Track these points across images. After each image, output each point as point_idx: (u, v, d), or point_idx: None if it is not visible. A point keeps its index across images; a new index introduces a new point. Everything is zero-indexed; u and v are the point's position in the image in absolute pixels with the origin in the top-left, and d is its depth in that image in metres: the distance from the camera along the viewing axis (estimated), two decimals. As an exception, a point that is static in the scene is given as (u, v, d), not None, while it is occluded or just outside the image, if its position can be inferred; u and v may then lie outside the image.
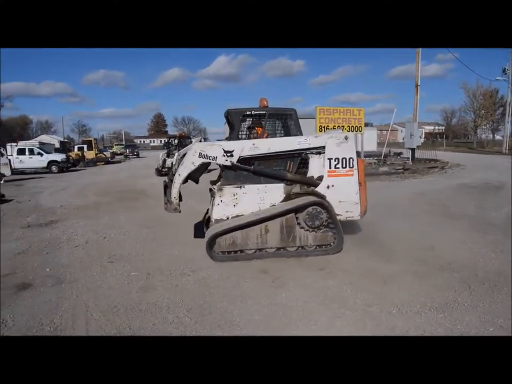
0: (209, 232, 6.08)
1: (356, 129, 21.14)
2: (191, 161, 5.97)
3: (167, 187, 6.16)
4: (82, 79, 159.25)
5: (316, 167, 6.34)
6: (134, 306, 4.58)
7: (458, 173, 18.93)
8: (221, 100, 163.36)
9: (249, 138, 6.69)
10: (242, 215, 6.13)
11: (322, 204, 6.18)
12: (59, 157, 28.56)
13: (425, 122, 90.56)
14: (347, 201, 6.38)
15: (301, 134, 6.52)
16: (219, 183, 6.27)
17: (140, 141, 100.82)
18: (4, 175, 20.98)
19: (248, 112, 6.40)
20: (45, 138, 53.44)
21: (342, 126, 20.49)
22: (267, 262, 5.95)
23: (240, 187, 6.15)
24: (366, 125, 24.35)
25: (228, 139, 6.93)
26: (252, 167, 6.12)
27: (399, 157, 25.44)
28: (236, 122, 6.36)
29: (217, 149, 5.99)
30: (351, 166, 6.38)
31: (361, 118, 21.30)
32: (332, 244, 6.32)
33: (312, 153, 6.30)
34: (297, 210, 6.11)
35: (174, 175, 6.14)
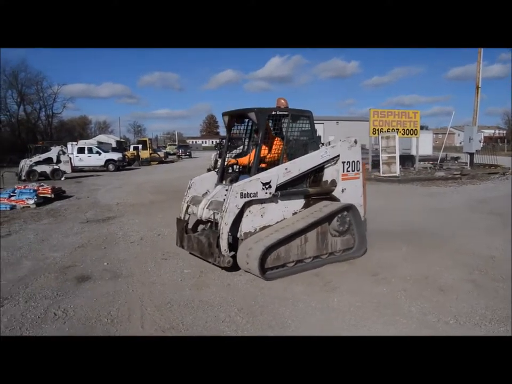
0: (255, 248, 5.29)
1: (411, 133, 20.61)
2: (235, 204, 5.39)
3: (219, 240, 5.42)
4: (138, 81, 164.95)
5: (329, 172, 6.39)
6: (187, 303, 4.67)
7: (521, 180, 17.96)
8: (272, 102, 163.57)
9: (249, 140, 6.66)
10: (269, 225, 5.75)
11: (351, 207, 6.24)
12: (116, 156, 29.70)
13: (485, 126, 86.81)
14: (355, 204, 6.37)
15: (316, 136, 6.54)
16: None
17: (192, 142, 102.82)
18: (65, 172, 22.08)
19: (273, 113, 5.98)
20: (102, 137, 55.56)
21: (396, 129, 20.00)
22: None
23: None
24: (421, 128, 23.61)
25: (230, 143, 6.70)
26: (279, 193, 5.72)
27: (456, 162, 24.53)
28: (262, 123, 5.77)
29: (256, 183, 5.51)
30: (358, 169, 6.57)
31: (417, 121, 20.77)
32: (353, 246, 6.35)
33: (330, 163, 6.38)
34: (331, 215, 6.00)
35: (216, 227, 5.54)
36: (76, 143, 30.44)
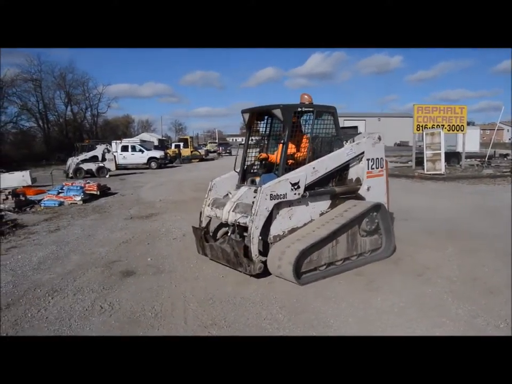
0: (289, 252, 5.07)
1: (458, 129, 19.94)
2: (265, 207, 5.16)
3: (249, 245, 5.16)
4: (180, 80, 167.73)
5: (354, 170, 6.29)
6: (229, 300, 4.70)
7: None
8: (313, 99, 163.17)
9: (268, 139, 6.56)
10: (297, 227, 5.57)
11: (380, 206, 6.09)
12: (158, 153, 30.31)
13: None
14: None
15: (340, 133, 6.35)
16: None
17: (232, 139, 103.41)
18: (109, 170, 22.75)
19: (299, 109, 5.81)
20: (145, 136, 56.74)
21: (441, 125, 19.38)
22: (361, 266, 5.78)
23: None
24: (468, 124, 22.77)
25: (247, 140, 6.49)
26: (307, 193, 5.56)
27: (505, 159, 23.51)
28: (289, 120, 5.59)
29: (285, 184, 5.33)
30: (382, 166, 6.47)
31: (464, 117, 20.08)
32: (381, 246, 6.16)
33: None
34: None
35: (242, 231, 5.51)
36: (120, 141, 31.30)
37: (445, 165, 18.51)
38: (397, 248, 6.37)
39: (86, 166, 22.25)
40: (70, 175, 21.39)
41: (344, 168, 6.17)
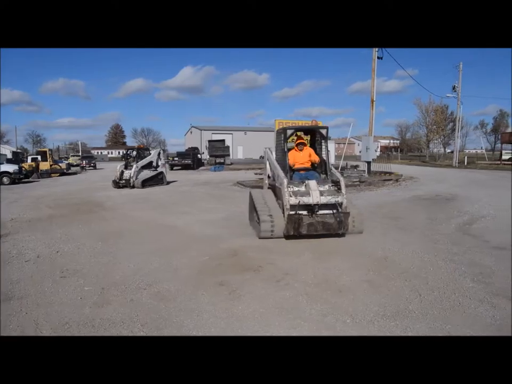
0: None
1: (314, 142, 21.55)
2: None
3: (348, 218, 7.96)
4: (40, 87, 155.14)
5: None
6: (87, 322, 4.44)
7: (411, 186, 19.59)
8: (183, 112, 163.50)
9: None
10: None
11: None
12: (11, 168, 27.49)
13: (381, 136, 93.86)
14: None
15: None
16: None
17: (98, 152, 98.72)
18: (-50, 187, 20.00)
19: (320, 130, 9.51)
20: (-5, 148, 51.33)
21: (300, 139, 20.74)
22: (224, 275, 5.94)
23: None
24: (324, 138, 24.77)
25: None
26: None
27: (355, 170, 26.01)
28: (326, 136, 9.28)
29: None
30: None
31: (319, 132, 21.75)
32: None
33: None
34: None
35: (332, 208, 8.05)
36: (-37, 154, 27.81)
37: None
38: (257, 257, 6.76)
39: None
40: None
41: None
